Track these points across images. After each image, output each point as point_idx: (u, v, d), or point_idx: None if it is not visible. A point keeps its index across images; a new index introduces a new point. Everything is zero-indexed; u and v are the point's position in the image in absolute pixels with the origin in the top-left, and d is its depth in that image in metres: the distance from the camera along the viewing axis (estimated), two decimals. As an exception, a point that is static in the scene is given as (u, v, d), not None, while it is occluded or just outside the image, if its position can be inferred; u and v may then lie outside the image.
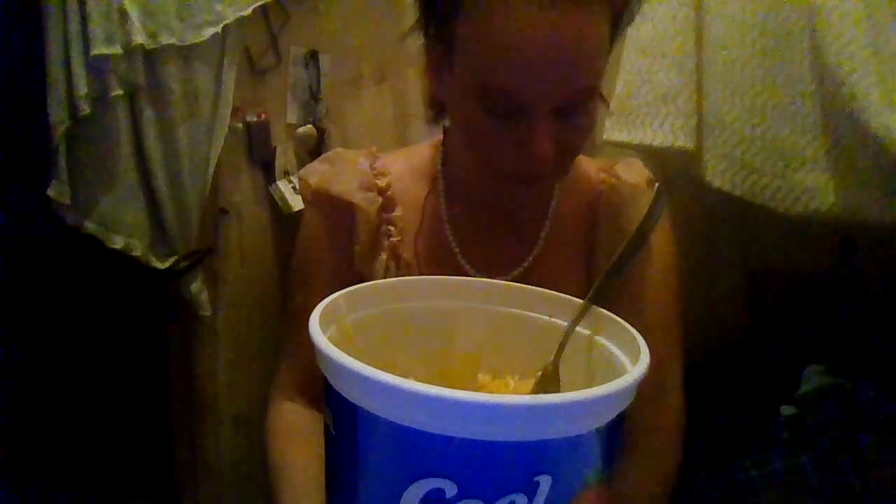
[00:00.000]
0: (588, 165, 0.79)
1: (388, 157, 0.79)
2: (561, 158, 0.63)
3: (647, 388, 0.43)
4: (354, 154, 0.78)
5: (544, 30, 0.56)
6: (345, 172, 0.75)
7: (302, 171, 0.79)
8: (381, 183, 0.75)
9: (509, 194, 0.69)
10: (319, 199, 0.76)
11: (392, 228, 0.74)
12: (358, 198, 0.73)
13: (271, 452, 0.72)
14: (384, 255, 0.73)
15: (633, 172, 0.76)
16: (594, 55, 0.59)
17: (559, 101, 0.59)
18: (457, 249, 0.74)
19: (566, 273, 0.66)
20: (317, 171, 0.77)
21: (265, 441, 0.74)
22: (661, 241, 0.75)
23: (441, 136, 0.79)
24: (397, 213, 0.75)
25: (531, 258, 0.74)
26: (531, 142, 0.60)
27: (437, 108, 0.73)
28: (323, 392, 0.43)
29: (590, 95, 0.61)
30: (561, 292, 0.58)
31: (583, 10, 0.56)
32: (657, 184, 0.65)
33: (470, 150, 0.66)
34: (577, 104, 0.60)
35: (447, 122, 0.76)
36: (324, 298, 0.51)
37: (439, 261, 0.74)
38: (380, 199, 0.74)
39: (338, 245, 0.74)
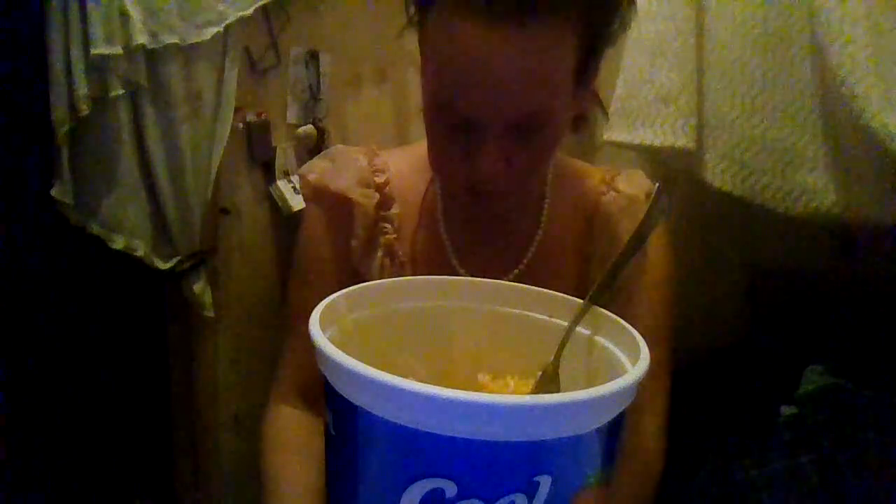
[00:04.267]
0: (589, 175, 0.78)
1: (387, 154, 0.79)
2: (514, 176, 0.62)
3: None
4: (354, 151, 0.78)
5: (492, 49, 0.54)
6: (344, 169, 0.75)
7: (302, 168, 0.79)
8: (380, 179, 0.75)
9: (488, 201, 0.69)
10: (319, 196, 0.76)
11: (388, 226, 0.74)
12: (356, 193, 0.73)
13: (265, 462, 0.72)
14: (380, 253, 0.74)
15: (634, 184, 0.75)
16: (547, 79, 0.57)
17: (508, 122, 0.58)
18: (450, 250, 0.74)
19: (558, 281, 0.66)
20: (316, 168, 0.77)
21: (260, 448, 0.74)
22: (659, 253, 0.74)
23: None
24: (394, 210, 0.75)
25: (524, 264, 0.74)
26: (476, 158, 0.59)
27: None
28: (323, 392, 0.43)
29: (545, 119, 0.59)
30: None
31: (537, 32, 0.54)
32: (657, 184, 0.64)
33: (429, 155, 0.67)
34: (531, 125, 0.59)
35: None
36: (324, 297, 0.50)
37: (432, 260, 0.74)
38: (377, 196, 0.74)
39: (337, 242, 0.74)
